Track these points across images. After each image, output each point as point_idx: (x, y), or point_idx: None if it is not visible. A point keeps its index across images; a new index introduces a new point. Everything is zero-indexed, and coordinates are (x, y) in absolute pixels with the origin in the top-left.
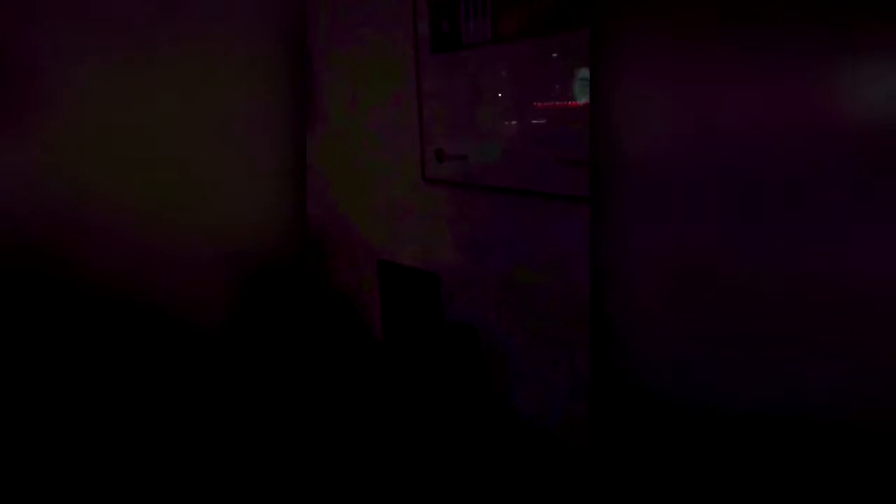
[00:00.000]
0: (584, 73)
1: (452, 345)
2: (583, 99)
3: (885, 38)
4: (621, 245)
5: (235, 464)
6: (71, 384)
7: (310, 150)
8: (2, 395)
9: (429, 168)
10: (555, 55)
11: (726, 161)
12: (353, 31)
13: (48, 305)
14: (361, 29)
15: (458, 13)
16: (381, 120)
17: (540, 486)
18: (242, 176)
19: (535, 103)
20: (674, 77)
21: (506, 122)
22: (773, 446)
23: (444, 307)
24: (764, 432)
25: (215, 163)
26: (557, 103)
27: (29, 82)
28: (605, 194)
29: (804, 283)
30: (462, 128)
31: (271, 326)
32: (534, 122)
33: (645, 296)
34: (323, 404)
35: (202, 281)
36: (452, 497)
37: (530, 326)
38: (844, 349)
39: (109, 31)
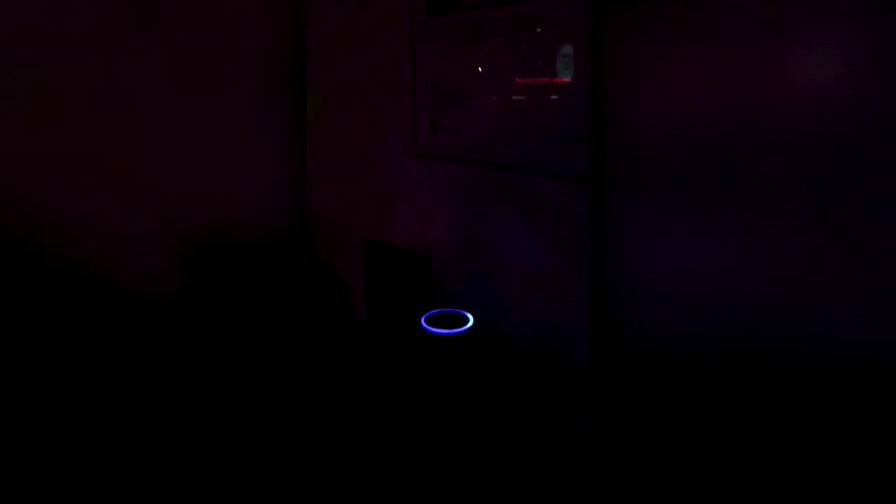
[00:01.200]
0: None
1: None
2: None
3: None
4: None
5: (213, 439)
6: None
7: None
8: None
9: (421, 142)
10: (566, 19)
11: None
12: None
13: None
14: None
15: None
16: (369, 89)
17: (538, 466)
18: (240, 154)
19: (541, 74)
20: (671, 53)
21: (508, 94)
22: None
23: (435, 289)
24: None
25: (213, 140)
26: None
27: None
28: (610, 174)
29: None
30: (459, 98)
31: (257, 303)
32: (539, 94)
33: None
34: (298, 379)
35: (183, 259)
36: (440, 480)
37: (527, 309)
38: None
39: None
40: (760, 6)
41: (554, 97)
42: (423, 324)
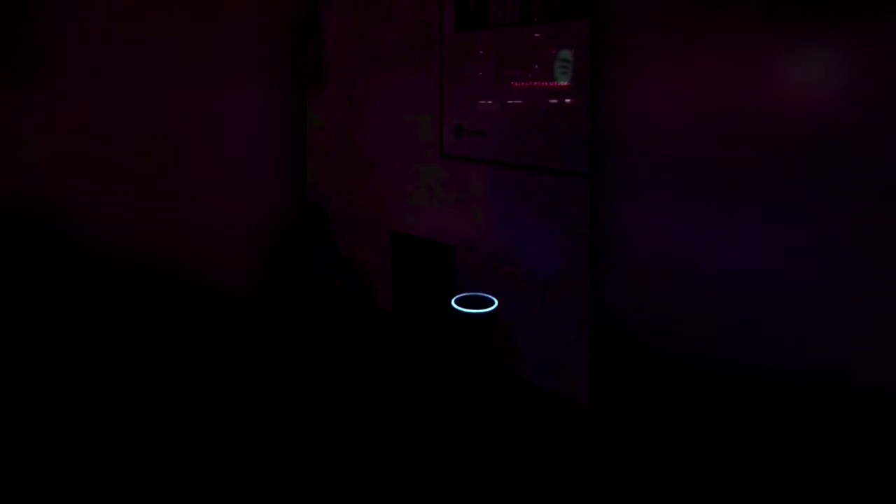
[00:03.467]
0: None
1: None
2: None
3: None
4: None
5: (248, 423)
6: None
7: (323, 121)
8: (34, 361)
9: (447, 143)
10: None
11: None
12: (373, 4)
13: (70, 272)
14: (381, 2)
15: None
16: (399, 94)
17: (545, 446)
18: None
19: (550, 83)
20: (669, 66)
21: (529, 102)
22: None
23: (457, 279)
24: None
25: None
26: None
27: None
28: (613, 171)
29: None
30: (483, 105)
31: (280, 293)
32: (557, 101)
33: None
34: (329, 368)
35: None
36: (462, 464)
37: (542, 300)
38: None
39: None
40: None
41: (578, 105)
42: (454, 305)
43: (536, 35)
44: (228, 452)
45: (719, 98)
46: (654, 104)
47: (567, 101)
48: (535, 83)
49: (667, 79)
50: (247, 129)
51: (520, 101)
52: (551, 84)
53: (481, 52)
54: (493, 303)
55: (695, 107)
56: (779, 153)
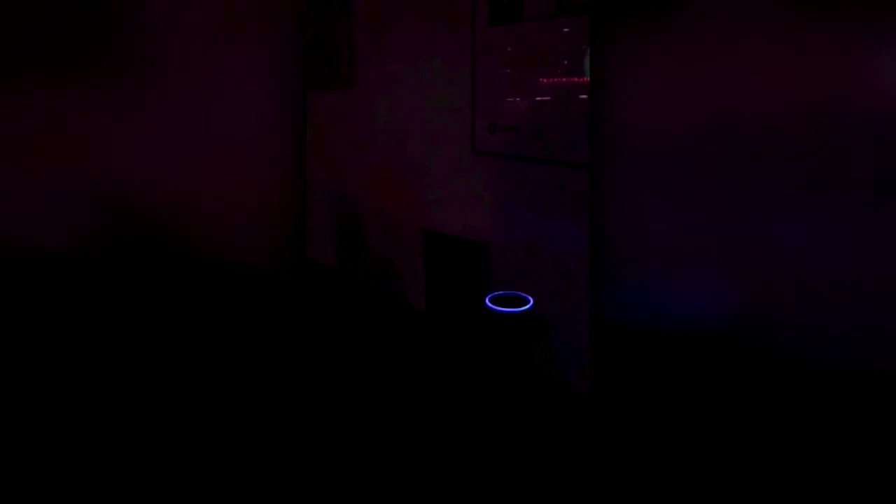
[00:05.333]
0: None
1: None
2: None
3: None
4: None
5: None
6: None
7: (349, 119)
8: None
9: (479, 139)
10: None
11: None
12: (404, 2)
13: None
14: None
15: None
16: (431, 91)
17: (577, 444)
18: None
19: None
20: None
21: (563, 96)
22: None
23: (491, 277)
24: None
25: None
26: None
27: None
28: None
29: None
30: (517, 100)
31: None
32: (586, 96)
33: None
34: (366, 370)
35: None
36: (495, 465)
37: (575, 298)
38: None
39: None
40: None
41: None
42: (488, 303)
43: (566, 30)
44: (257, 446)
45: (734, 90)
46: (669, 101)
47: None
48: (565, 79)
49: (680, 75)
50: (261, 123)
51: (550, 98)
52: (582, 79)
53: (514, 48)
54: (528, 301)
55: (710, 101)
56: (793, 145)
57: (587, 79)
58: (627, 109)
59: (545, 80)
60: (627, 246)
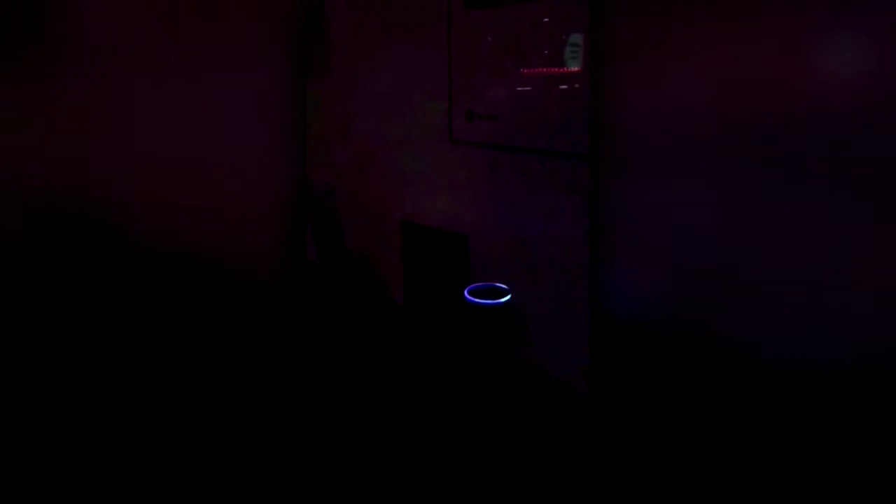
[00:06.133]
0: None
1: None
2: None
3: None
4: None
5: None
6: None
7: (325, 108)
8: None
9: (456, 129)
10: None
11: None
12: None
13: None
14: None
15: None
16: (405, 79)
17: (559, 441)
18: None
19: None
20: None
21: (544, 84)
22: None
23: (470, 268)
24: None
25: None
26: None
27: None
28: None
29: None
30: (496, 88)
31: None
32: (567, 86)
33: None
34: (346, 364)
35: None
36: (478, 460)
37: (554, 288)
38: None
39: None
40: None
41: (576, 86)
42: (467, 295)
43: (546, 20)
44: (239, 442)
45: (733, 75)
46: (661, 87)
47: (576, 85)
48: (545, 69)
49: (671, 60)
50: (256, 114)
51: (531, 86)
52: (564, 70)
53: (492, 33)
54: (507, 293)
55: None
56: (799, 132)
57: (578, 68)
58: (623, 97)
59: (527, 68)
60: (617, 239)
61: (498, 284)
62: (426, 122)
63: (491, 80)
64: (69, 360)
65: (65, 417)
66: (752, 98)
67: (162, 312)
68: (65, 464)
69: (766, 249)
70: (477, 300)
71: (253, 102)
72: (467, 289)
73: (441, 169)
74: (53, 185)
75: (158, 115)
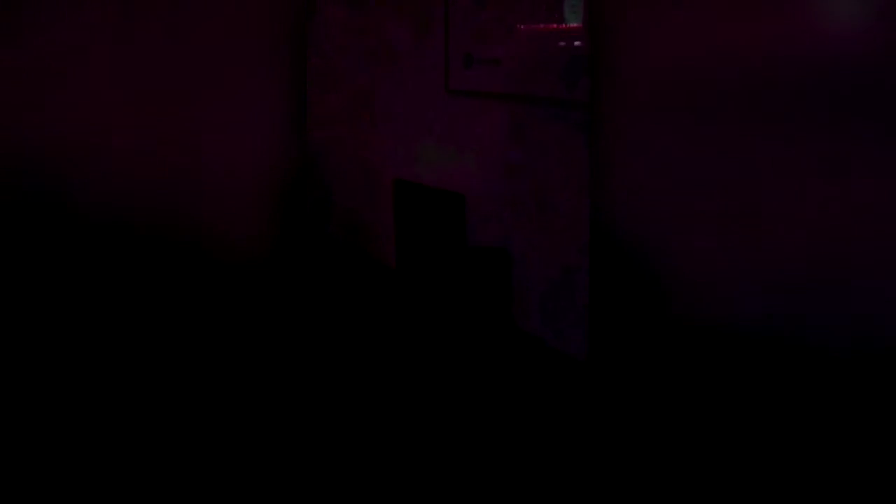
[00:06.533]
0: None
1: (480, 270)
2: None
3: None
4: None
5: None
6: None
7: (310, 55)
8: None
9: (453, 77)
10: None
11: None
12: None
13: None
14: None
15: None
16: (395, 22)
17: (557, 408)
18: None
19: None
20: None
21: (551, 21)
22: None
23: (467, 230)
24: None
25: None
26: None
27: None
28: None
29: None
30: (498, 28)
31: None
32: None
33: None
34: (335, 332)
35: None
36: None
37: (555, 249)
38: None
39: None
40: None
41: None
42: (463, 261)
43: None
44: (231, 417)
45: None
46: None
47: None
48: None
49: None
50: (242, 59)
51: (536, 26)
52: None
53: None
54: (507, 257)
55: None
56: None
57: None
58: (634, 40)
59: (529, 8)
60: (631, 200)
61: (498, 247)
62: (421, 70)
63: (493, 19)
64: (29, 342)
65: (25, 401)
66: (755, 45)
67: (130, 284)
68: (24, 445)
69: (768, 192)
70: (473, 266)
71: (237, 43)
72: (465, 252)
73: (437, 121)
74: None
75: (124, 63)
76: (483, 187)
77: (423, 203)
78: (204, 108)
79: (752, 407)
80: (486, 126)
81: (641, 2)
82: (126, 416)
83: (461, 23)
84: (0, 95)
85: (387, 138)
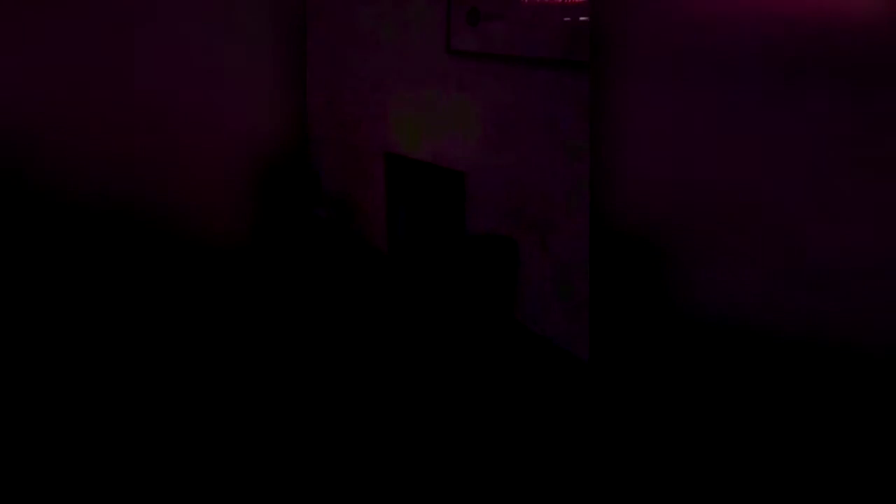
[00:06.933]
0: None
1: (483, 261)
2: None
3: None
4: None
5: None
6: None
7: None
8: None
9: (456, 36)
10: None
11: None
12: None
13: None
14: None
15: None
16: None
17: (557, 408)
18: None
19: None
20: None
21: None
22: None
23: (468, 212)
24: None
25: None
26: None
27: None
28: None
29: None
30: None
31: (268, 235)
32: None
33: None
34: (319, 319)
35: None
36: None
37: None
38: None
39: None
40: None
41: None
42: (464, 250)
43: None
44: (223, 408)
45: None
46: None
47: None
48: None
49: None
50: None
51: None
52: None
53: None
54: (511, 245)
55: None
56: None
57: None
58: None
59: None
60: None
61: (501, 235)
62: (419, 29)
63: None
64: (12, 325)
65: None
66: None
67: (116, 269)
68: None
69: (766, 163)
70: (476, 257)
71: (232, 20)
72: (465, 239)
73: (435, 88)
74: None
75: (105, 43)
76: (485, 165)
77: (418, 180)
78: (192, 87)
79: (751, 407)
80: (488, 92)
81: None
82: (110, 400)
83: None
84: None
85: (380, 106)
